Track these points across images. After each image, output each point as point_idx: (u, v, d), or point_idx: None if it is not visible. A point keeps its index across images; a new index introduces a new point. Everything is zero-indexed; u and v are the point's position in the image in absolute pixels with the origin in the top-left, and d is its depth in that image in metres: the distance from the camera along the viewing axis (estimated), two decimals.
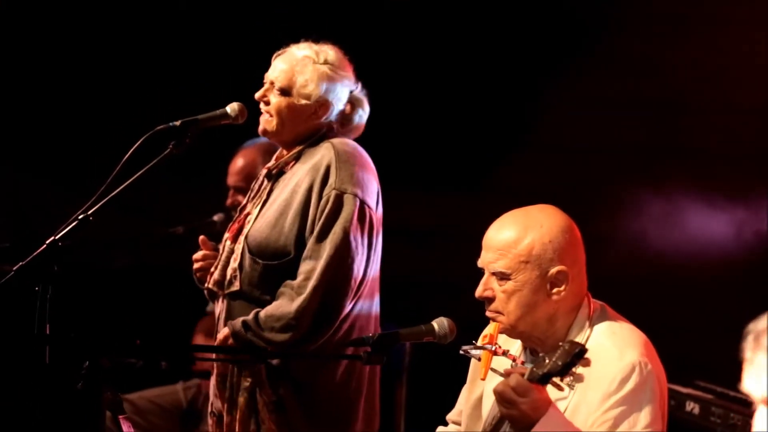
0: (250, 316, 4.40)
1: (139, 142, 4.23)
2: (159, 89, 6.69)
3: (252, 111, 4.61)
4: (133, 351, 4.01)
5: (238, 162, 6.01)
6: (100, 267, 6.57)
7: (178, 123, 4.37)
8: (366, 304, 4.55)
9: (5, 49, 6.75)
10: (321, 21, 4.68)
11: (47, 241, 4.09)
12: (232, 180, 5.97)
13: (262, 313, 4.40)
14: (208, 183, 6.36)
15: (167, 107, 4.73)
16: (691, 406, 5.52)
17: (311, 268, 4.37)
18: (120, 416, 3.76)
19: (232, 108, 4.54)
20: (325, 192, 4.43)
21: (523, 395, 3.31)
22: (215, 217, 6.19)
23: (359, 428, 4.57)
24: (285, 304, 4.37)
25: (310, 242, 4.40)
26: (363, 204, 4.45)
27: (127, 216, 5.64)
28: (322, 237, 4.39)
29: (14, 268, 4.07)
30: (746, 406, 5.38)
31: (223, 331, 4.45)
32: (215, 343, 4.49)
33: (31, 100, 6.78)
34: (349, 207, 4.41)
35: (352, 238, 4.40)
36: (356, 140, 4.65)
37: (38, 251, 4.08)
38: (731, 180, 6.24)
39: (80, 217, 4.14)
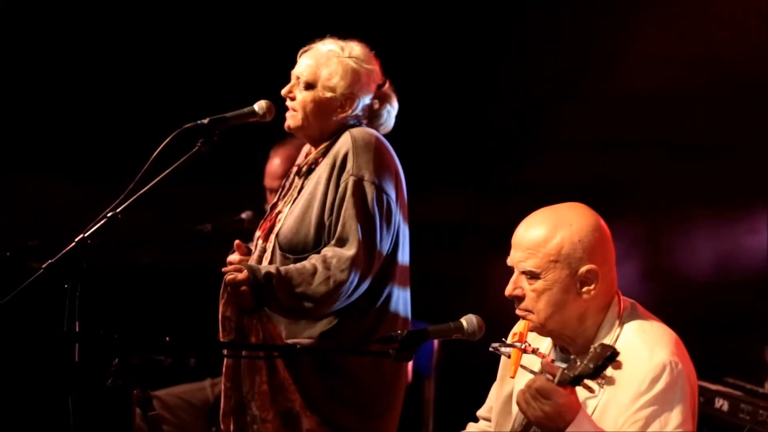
0: (274, 270, 4.38)
1: (167, 140, 4.25)
2: (187, 88, 6.70)
3: (279, 109, 4.61)
4: (162, 348, 4.02)
5: (275, 162, 6.00)
6: (129, 264, 6.59)
7: (206, 121, 4.39)
8: (398, 290, 4.56)
9: (29, 52, 6.77)
10: (347, 19, 4.68)
11: (76, 239, 4.11)
12: (274, 183, 5.94)
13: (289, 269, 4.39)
14: (237, 181, 6.37)
15: (195, 105, 4.74)
16: (720, 403, 5.51)
17: (337, 254, 4.37)
18: (149, 413, 3.78)
19: (259, 106, 4.56)
20: (343, 178, 4.44)
21: (547, 397, 3.30)
22: (243, 215, 6.20)
23: (388, 421, 4.58)
24: (316, 278, 4.36)
25: (336, 231, 4.40)
26: (381, 190, 4.45)
27: (155, 214, 5.66)
28: (345, 225, 4.39)
29: (44, 266, 4.09)
30: None
31: (240, 275, 4.36)
32: (224, 282, 4.41)
33: (57, 100, 6.80)
34: (366, 194, 4.42)
35: (374, 225, 4.40)
36: (386, 136, 4.65)
37: (67, 249, 4.10)
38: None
39: (109, 215, 4.16)
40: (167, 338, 3.68)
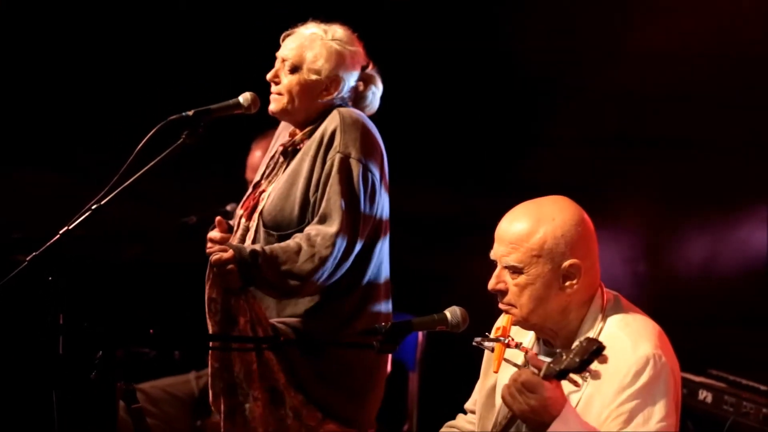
0: (259, 248, 4.38)
1: (151, 132, 4.24)
2: (171, 80, 6.69)
3: (264, 100, 4.61)
4: (147, 341, 4.02)
5: (257, 155, 6.00)
6: (113, 257, 6.57)
7: (190, 113, 4.39)
8: (380, 270, 4.57)
9: (15, 44, 6.76)
10: (333, 11, 4.68)
11: (60, 232, 4.11)
12: (253, 174, 5.93)
13: (273, 248, 4.39)
14: (222, 173, 6.37)
15: (179, 98, 4.74)
16: (704, 395, 5.52)
17: (321, 232, 4.37)
18: (133, 406, 3.77)
19: (244, 97, 4.55)
20: (330, 155, 4.45)
21: (532, 391, 3.30)
22: (228, 207, 6.19)
23: (371, 402, 4.60)
24: (301, 256, 4.37)
25: (320, 207, 4.40)
26: (366, 169, 4.46)
27: (139, 206, 5.65)
28: (329, 201, 4.39)
29: (27, 259, 4.09)
30: (759, 395, 5.38)
31: (226, 254, 4.34)
32: (210, 263, 4.38)
33: (41, 92, 6.78)
34: (352, 171, 4.42)
35: (358, 202, 4.41)
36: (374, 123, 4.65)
37: (51, 241, 4.10)
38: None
39: (93, 207, 4.15)
40: (151, 331, 3.68)
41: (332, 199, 4.40)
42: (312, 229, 4.40)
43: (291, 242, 4.39)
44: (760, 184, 6.17)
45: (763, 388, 5.40)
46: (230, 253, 4.33)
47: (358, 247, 4.45)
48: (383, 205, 4.58)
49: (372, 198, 4.49)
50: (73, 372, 3.96)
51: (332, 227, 4.37)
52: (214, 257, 4.35)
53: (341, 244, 4.37)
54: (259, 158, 5.96)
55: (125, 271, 6.62)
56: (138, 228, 6.60)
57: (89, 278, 6.02)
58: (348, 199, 4.41)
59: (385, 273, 4.64)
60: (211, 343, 4.42)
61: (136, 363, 3.78)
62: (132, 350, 3.71)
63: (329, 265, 4.37)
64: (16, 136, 6.74)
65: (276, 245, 4.40)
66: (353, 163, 4.44)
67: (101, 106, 6.81)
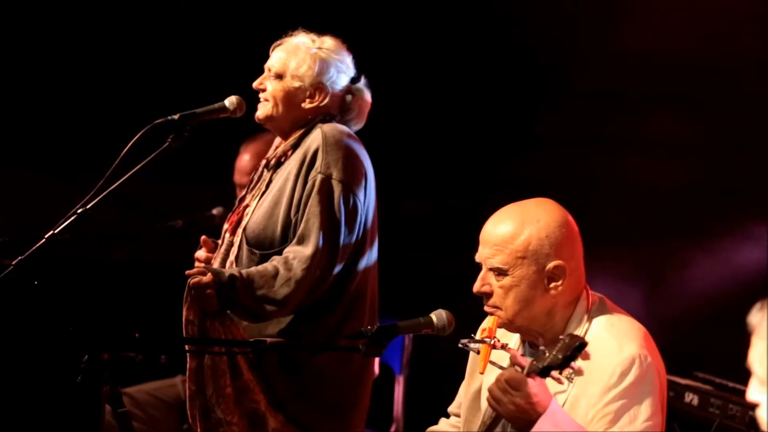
0: (237, 273, 4.36)
1: (137, 136, 4.24)
2: (157, 83, 6.68)
3: (251, 105, 4.61)
4: (133, 345, 4.01)
5: (245, 158, 5.99)
6: (98, 261, 6.57)
7: (176, 116, 4.38)
8: (363, 291, 4.56)
9: (2, 46, 6.75)
10: (323, 13, 4.68)
11: (46, 236, 4.10)
12: (243, 179, 5.93)
13: (250, 272, 4.38)
14: (208, 176, 6.36)
15: (165, 101, 4.73)
16: (690, 397, 5.53)
17: (297, 254, 4.36)
18: (119, 410, 3.77)
19: (230, 101, 4.55)
20: (311, 175, 4.44)
21: (517, 389, 3.31)
22: (214, 211, 6.19)
23: (356, 416, 4.58)
24: (277, 281, 4.36)
25: (299, 227, 4.40)
26: (348, 189, 4.44)
27: (125, 210, 5.65)
28: (308, 222, 4.39)
29: (13, 263, 4.08)
30: (745, 397, 5.38)
31: (205, 278, 4.34)
32: (188, 285, 4.37)
33: (28, 94, 6.77)
34: (333, 192, 4.41)
35: (337, 223, 4.40)
36: (362, 132, 4.65)
37: (37, 245, 4.09)
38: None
39: (79, 211, 4.15)
40: (137, 335, 3.68)
41: (310, 221, 4.39)
42: (290, 251, 4.39)
43: (269, 265, 4.38)
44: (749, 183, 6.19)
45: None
46: (209, 276, 4.33)
47: (337, 268, 4.42)
48: (366, 224, 4.55)
49: (353, 218, 4.46)
50: (59, 375, 3.96)
51: (308, 248, 4.36)
52: (193, 280, 4.34)
53: (317, 265, 4.36)
54: (246, 161, 5.96)
55: (111, 275, 6.61)
56: (124, 232, 6.59)
57: (75, 281, 6.01)
58: (327, 219, 4.39)
59: (371, 289, 4.62)
60: (188, 347, 4.41)
61: (122, 367, 3.77)
62: (118, 354, 3.71)
63: (305, 286, 4.36)
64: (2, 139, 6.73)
65: (254, 269, 4.39)
66: (334, 183, 4.42)
67: (87, 110, 6.80)
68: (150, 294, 6.41)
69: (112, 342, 3.67)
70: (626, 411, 3.43)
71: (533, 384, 3.30)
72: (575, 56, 6.49)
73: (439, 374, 4.70)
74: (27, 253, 4.08)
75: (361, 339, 3.64)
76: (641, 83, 6.38)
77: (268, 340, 4.37)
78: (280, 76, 4.57)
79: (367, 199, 4.53)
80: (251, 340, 4.40)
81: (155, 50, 6.83)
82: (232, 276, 4.33)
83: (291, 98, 4.57)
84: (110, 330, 3.68)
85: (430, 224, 6.86)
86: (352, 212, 4.45)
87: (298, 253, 4.36)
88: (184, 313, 4.39)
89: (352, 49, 4.67)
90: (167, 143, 4.35)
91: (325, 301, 4.46)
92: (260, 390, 4.39)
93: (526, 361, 3.35)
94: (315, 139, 4.48)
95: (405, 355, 6.01)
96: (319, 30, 4.64)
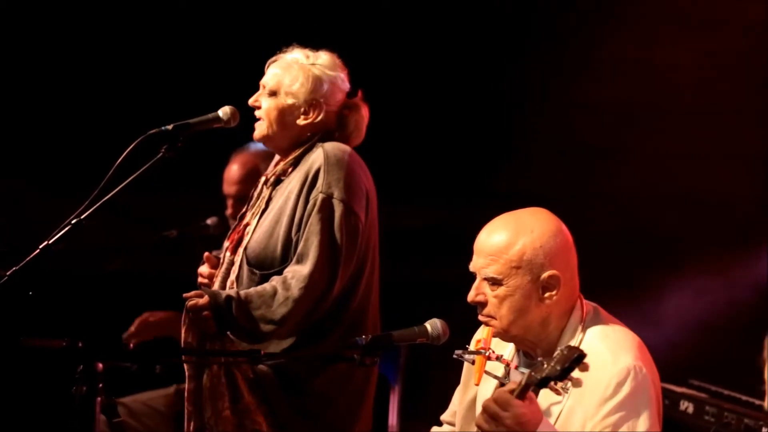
0: (234, 294, 4.36)
1: (131, 147, 4.24)
2: (151, 93, 6.68)
3: (245, 116, 4.61)
4: (128, 355, 4.01)
5: (233, 168, 5.99)
6: (93, 271, 6.56)
7: (170, 127, 4.38)
8: (364, 311, 4.55)
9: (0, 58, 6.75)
10: (317, 26, 4.69)
11: (40, 246, 4.10)
12: (231, 189, 5.93)
13: (248, 293, 4.37)
14: (202, 186, 6.36)
15: (159, 111, 4.73)
16: (685, 405, 5.53)
17: (296, 273, 4.36)
18: (114, 419, 3.77)
19: (224, 111, 4.55)
20: (312, 195, 4.43)
21: (505, 408, 3.28)
22: (209, 221, 6.19)
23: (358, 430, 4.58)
24: (275, 300, 4.35)
25: (299, 246, 4.39)
26: (349, 209, 4.44)
27: (120, 220, 5.64)
28: (307, 241, 4.38)
29: (8, 273, 4.08)
30: (740, 405, 5.39)
31: (201, 300, 4.34)
32: (186, 308, 4.38)
33: (23, 104, 6.77)
34: (334, 211, 4.41)
35: (338, 243, 4.40)
36: (358, 144, 4.64)
37: (31, 256, 4.09)
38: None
39: (73, 221, 4.15)
40: (131, 345, 3.68)
41: (310, 240, 4.39)
42: (289, 271, 4.39)
43: (267, 285, 4.38)
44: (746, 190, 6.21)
45: (744, 398, 5.42)
46: (206, 299, 4.33)
47: (338, 287, 4.43)
48: (368, 243, 4.55)
49: (354, 238, 4.45)
50: (54, 386, 3.95)
51: (306, 268, 4.36)
52: (190, 303, 4.35)
53: (316, 284, 4.36)
54: (235, 171, 5.95)
55: (106, 286, 6.60)
56: (119, 242, 6.58)
57: (70, 292, 6.01)
58: (327, 239, 4.39)
59: (373, 309, 4.61)
60: (185, 357, 4.41)
61: (117, 377, 3.77)
62: (113, 364, 3.71)
63: (303, 306, 4.35)
64: None
65: (252, 290, 4.39)
66: (335, 203, 4.42)
67: (81, 121, 6.80)
68: (144, 304, 6.41)
69: (107, 352, 3.67)
70: (625, 422, 3.42)
71: (520, 404, 3.28)
72: (568, 66, 6.50)
73: (435, 384, 4.69)
74: (21, 264, 4.08)
75: (356, 349, 3.64)
76: (636, 95, 6.40)
77: (263, 351, 4.39)
78: (274, 93, 4.56)
79: (369, 218, 4.53)
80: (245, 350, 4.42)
81: (150, 62, 6.83)
82: (228, 297, 4.33)
83: (284, 116, 4.56)
84: (105, 340, 3.68)
85: (422, 233, 6.85)
86: (353, 232, 4.45)
87: (296, 273, 4.36)
88: (183, 335, 4.39)
89: (344, 61, 4.66)
90: (161, 153, 4.34)
91: (326, 321, 4.46)
92: (261, 413, 4.38)
93: (515, 385, 3.32)
94: (317, 158, 4.47)
95: (400, 365, 6.00)
96: (314, 44, 4.64)
